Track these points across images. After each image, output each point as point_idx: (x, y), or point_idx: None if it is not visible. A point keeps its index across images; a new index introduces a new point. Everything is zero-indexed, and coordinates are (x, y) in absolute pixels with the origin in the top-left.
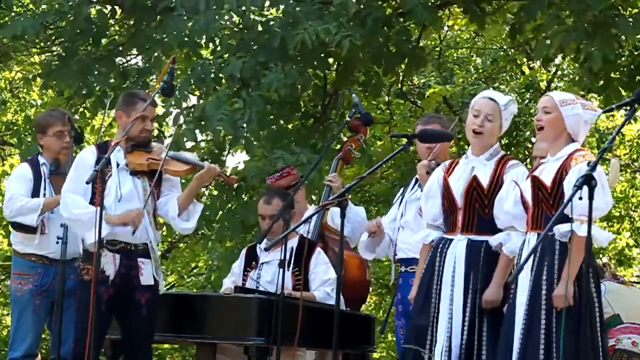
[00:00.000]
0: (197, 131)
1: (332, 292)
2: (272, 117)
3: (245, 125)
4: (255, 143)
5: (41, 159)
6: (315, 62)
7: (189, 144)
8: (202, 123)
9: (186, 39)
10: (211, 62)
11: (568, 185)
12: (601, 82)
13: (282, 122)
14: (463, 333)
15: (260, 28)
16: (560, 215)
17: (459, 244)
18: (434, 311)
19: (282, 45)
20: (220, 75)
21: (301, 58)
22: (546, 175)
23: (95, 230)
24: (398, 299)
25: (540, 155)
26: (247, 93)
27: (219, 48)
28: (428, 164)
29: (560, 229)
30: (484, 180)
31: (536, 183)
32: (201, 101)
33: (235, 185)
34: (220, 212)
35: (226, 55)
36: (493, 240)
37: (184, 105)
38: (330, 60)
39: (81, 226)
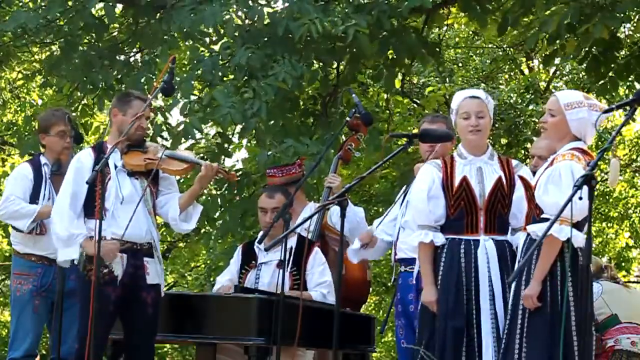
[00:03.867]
0: (202, 125)
1: (328, 295)
2: (279, 109)
3: (254, 114)
4: (265, 131)
5: (43, 159)
6: (321, 56)
7: (192, 139)
8: (210, 110)
9: (189, 29)
10: (218, 53)
11: (538, 185)
12: (599, 73)
13: (285, 117)
14: (512, 330)
15: (266, 20)
16: (559, 215)
17: (487, 244)
18: (472, 312)
19: (288, 38)
20: (228, 65)
21: (307, 50)
22: (537, 175)
23: (95, 231)
24: (397, 299)
25: (538, 154)
26: (257, 83)
27: (224, 39)
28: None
29: (533, 228)
30: (505, 181)
31: (524, 183)
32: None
33: (237, 179)
34: (222, 209)
35: (233, 47)
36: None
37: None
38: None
39: (58, 242)
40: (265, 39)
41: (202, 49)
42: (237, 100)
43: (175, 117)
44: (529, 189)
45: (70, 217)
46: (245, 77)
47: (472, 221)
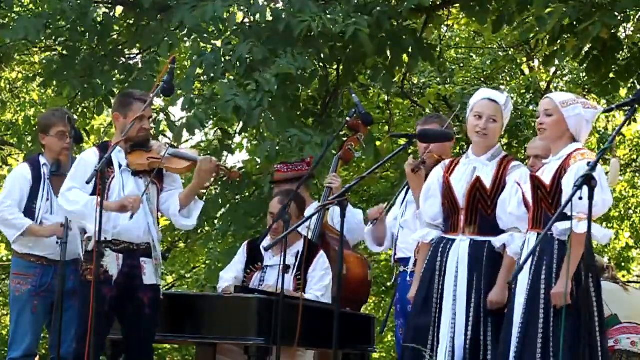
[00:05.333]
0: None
1: (321, 297)
2: (281, 100)
3: (258, 105)
4: (272, 119)
5: (42, 159)
6: (322, 54)
7: (195, 139)
8: (213, 103)
9: (190, 26)
10: (220, 48)
11: (567, 184)
12: (600, 75)
13: (287, 108)
14: (467, 333)
15: (268, 16)
16: (560, 214)
17: (462, 244)
18: (435, 311)
19: (289, 34)
20: (230, 60)
21: (307, 47)
22: (546, 175)
23: (95, 231)
24: (397, 299)
25: (534, 154)
26: (260, 74)
27: (227, 34)
28: (412, 162)
29: (559, 227)
30: (487, 181)
31: (536, 183)
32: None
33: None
34: (223, 209)
35: (235, 42)
36: (496, 241)
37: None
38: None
39: (84, 216)
40: (266, 37)
41: (203, 45)
42: (241, 92)
43: (177, 114)
44: (542, 188)
45: (74, 193)
46: (247, 72)
47: (455, 221)
